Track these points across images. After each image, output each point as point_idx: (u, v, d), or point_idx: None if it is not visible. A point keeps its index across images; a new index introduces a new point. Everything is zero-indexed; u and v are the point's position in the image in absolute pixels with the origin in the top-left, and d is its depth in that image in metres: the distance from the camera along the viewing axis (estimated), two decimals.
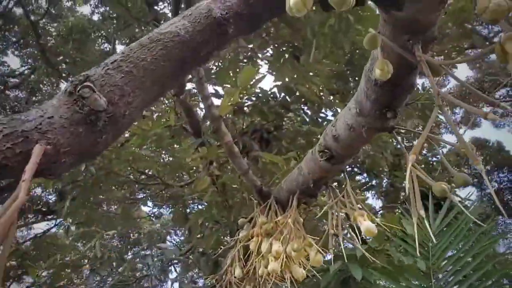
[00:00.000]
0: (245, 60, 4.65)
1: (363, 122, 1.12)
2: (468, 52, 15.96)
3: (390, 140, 5.56)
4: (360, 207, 1.33)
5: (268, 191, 1.87)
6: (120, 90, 0.73)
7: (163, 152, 4.69)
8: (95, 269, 3.80)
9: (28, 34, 9.48)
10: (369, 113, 1.10)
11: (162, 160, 4.79)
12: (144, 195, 7.33)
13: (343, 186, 1.43)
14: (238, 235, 1.78)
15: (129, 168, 4.28)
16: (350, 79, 4.74)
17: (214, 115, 1.79)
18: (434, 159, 6.18)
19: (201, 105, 4.47)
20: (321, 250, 1.43)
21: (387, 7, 0.81)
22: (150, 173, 4.82)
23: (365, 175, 5.56)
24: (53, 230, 11.38)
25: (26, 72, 11.26)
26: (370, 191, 5.55)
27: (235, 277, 1.99)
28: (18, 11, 9.80)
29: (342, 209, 1.40)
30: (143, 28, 5.80)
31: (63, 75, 9.50)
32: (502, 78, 11.07)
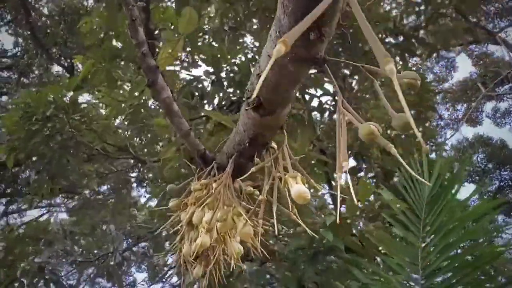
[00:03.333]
0: (229, 31, 4.39)
1: None
2: (472, 47, 15.69)
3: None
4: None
5: (213, 157, 1.62)
6: None
7: (140, 125, 4.44)
8: (52, 241, 3.57)
9: (19, 12, 9.18)
10: None
11: (136, 137, 4.55)
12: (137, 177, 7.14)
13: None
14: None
15: (97, 138, 4.02)
16: (341, 54, 4.45)
17: (149, 65, 1.54)
18: None
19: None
20: (250, 222, 1.17)
21: None
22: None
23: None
24: (45, 216, 11.22)
25: (19, 53, 11.00)
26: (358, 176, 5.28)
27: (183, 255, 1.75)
28: None
29: (278, 173, 1.16)
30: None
31: (55, 56, 9.22)
32: (503, 71, 10.76)
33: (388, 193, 2.73)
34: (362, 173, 5.47)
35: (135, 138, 4.58)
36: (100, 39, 3.81)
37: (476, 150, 16.08)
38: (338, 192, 0.63)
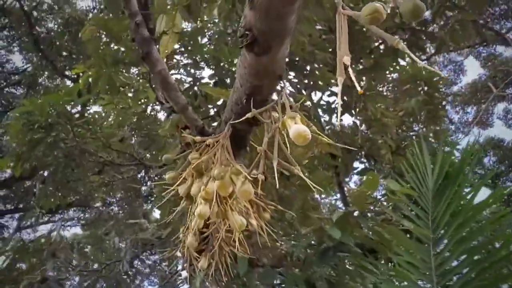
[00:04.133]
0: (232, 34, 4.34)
1: None
2: (480, 49, 15.56)
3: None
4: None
5: (212, 132, 1.54)
6: None
7: (145, 132, 4.37)
8: (55, 252, 3.47)
9: (21, 24, 9.27)
10: None
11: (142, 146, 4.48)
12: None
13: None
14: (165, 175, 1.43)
15: (101, 146, 3.96)
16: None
17: (143, 36, 1.47)
18: None
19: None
20: (250, 178, 1.08)
21: None
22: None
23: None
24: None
25: (28, 69, 11.14)
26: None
27: (188, 248, 1.66)
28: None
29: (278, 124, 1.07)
30: None
31: (60, 68, 9.26)
32: None
33: (395, 184, 2.63)
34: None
35: (139, 146, 4.53)
36: (101, 46, 3.77)
37: (486, 153, 15.78)
38: (339, 94, 0.55)
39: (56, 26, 9.41)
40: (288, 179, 2.73)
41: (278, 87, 1.15)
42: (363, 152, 5.04)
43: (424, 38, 4.48)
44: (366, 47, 4.43)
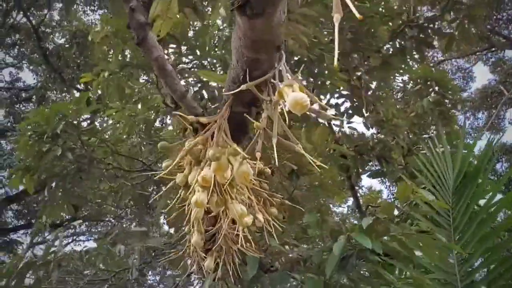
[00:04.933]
0: None
1: None
2: (488, 55, 15.42)
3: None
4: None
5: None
6: None
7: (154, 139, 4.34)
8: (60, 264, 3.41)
9: (30, 39, 9.39)
10: None
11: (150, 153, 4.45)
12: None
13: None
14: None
15: (111, 157, 3.93)
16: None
17: (139, 21, 1.41)
18: None
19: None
20: (248, 159, 1.02)
21: None
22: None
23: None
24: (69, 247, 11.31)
25: (38, 84, 11.28)
26: (383, 180, 5.12)
27: (194, 246, 1.59)
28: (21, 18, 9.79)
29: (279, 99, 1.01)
30: None
31: (68, 80, 9.32)
32: None
33: (428, 193, 2.58)
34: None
35: (149, 154, 4.49)
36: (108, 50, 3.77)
37: (498, 158, 15.52)
38: (336, 37, 0.49)
39: (64, 39, 9.51)
40: (298, 177, 2.66)
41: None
42: (374, 154, 4.95)
43: (432, 35, 4.41)
44: (374, 46, 4.36)
